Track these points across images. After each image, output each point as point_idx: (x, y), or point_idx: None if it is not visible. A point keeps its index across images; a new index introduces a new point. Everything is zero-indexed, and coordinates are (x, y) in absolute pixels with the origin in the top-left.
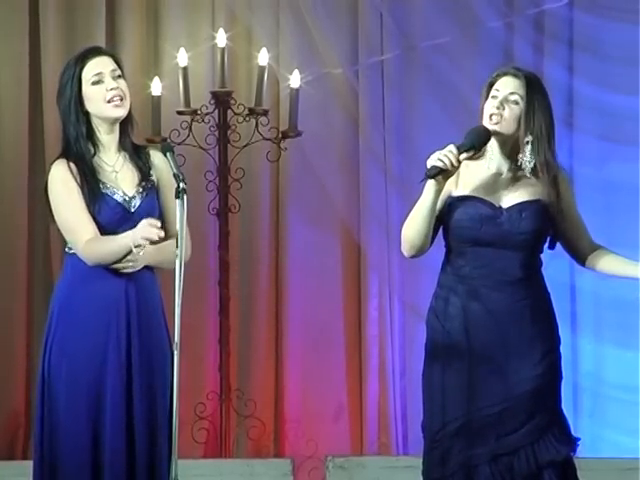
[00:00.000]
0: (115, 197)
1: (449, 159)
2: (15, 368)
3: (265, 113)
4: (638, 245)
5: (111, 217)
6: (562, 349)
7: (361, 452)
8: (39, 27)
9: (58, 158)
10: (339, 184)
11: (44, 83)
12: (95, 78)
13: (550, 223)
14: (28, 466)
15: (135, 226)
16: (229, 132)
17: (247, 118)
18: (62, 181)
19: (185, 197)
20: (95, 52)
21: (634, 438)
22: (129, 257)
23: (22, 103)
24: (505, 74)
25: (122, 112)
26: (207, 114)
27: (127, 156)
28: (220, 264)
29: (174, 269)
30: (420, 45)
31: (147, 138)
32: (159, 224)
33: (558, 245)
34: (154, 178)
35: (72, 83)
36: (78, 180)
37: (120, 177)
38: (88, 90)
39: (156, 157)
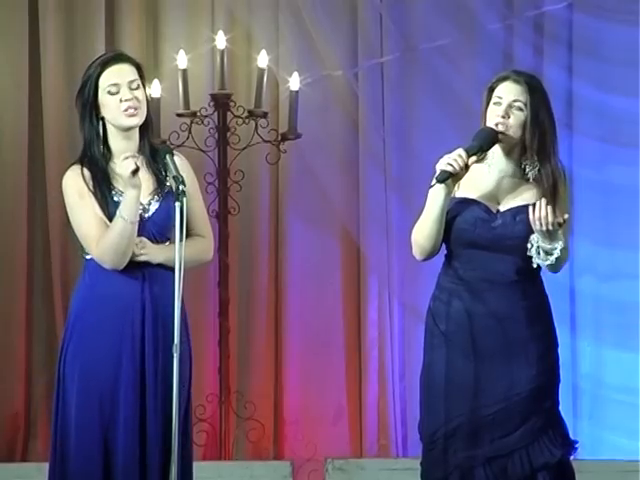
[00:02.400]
0: None
1: (458, 163)
2: (15, 370)
3: (264, 115)
4: (637, 247)
5: None
6: (561, 351)
7: (360, 454)
8: (38, 28)
9: (74, 163)
10: (339, 186)
11: (43, 84)
12: (111, 88)
13: None
14: (27, 468)
15: (148, 232)
16: (228, 134)
17: (246, 120)
18: (74, 186)
19: (185, 199)
20: (117, 59)
21: (633, 440)
22: (139, 245)
23: (21, 104)
24: (505, 79)
25: (136, 121)
26: (206, 116)
27: (144, 162)
28: (220, 266)
29: (178, 269)
30: (420, 47)
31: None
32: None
33: None
34: (170, 184)
35: (89, 87)
36: (90, 186)
37: None
38: (103, 98)
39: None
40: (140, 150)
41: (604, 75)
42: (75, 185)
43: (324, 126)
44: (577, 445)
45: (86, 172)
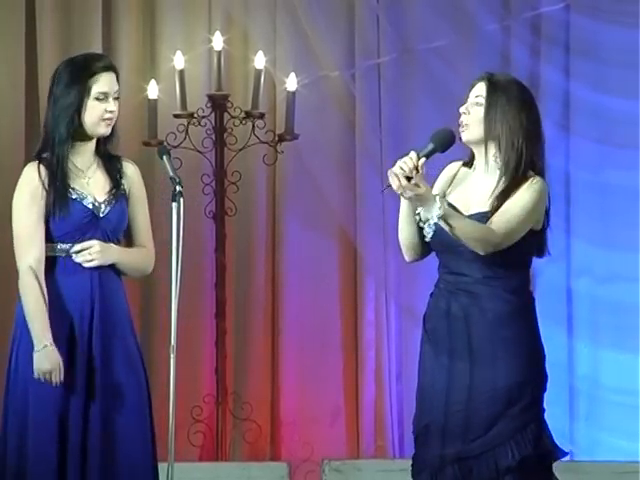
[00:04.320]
0: (84, 202)
1: (408, 166)
2: None
3: (261, 116)
4: (637, 249)
5: (79, 221)
6: (558, 352)
7: (357, 455)
8: (35, 28)
9: (32, 160)
10: (335, 187)
11: (40, 85)
12: (100, 95)
13: None
14: None
15: (103, 232)
16: (225, 135)
17: (243, 121)
18: (28, 191)
19: (182, 200)
20: (106, 67)
21: (630, 441)
22: (91, 250)
23: (18, 104)
24: (477, 81)
25: (109, 131)
26: (203, 117)
27: (101, 163)
28: (216, 267)
29: (175, 271)
30: (417, 48)
31: (143, 141)
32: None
33: (554, 249)
34: (126, 187)
35: (79, 89)
36: (46, 185)
37: (91, 183)
38: (91, 103)
39: (128, 168)
40: (97, 152)
41: (601, 77)
42: (30, 185)
43: (321, 127)
44: (559, 450)
45: (43, 170)
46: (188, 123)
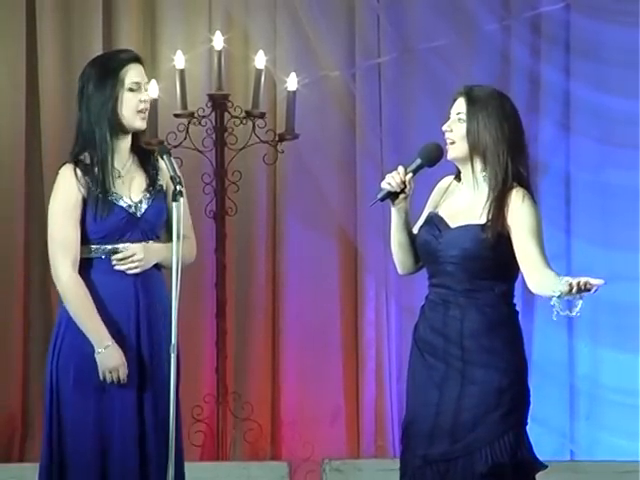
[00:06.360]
0: (120, 203)
1: (395, 180)
2: (12, 372)
3: (262, 116)
4: (637, 248)
5: (117, 223)
6: (559, 351)
7: (358, 455)
8: (36, 28)
9: (67, 163)
10: (336, 186)
11: (41, 84)
12: (134, 85)
13: (489, 246)
14: (24, 469)
15: (142, 231)
16: (226, 135)
17: (244, 121)
18: (64, 193)
19: (182, 199)
20: (135, 58)
21: (630, 441)
22: (134, 258)
23: (19, 104)
24: (458, 96)
25: (144, 125)
26: (204, 117)
27: (136, 160)
28: (217, 267)
29: (175, 270)
30: (417, 48)
31: (144, 141)
32: None
33: (553, 248)
34: (162, 182)
35: (113, 82)
36: (83, 187)
37: (126, 182)
38: (126, 95)
39: (162, 162)
40: (132, 150)
41: (602, 76)
42: (67, 188)
43: (321, 126)
44: (538, 463)
45: (80, 172)
46: (188, 123)
